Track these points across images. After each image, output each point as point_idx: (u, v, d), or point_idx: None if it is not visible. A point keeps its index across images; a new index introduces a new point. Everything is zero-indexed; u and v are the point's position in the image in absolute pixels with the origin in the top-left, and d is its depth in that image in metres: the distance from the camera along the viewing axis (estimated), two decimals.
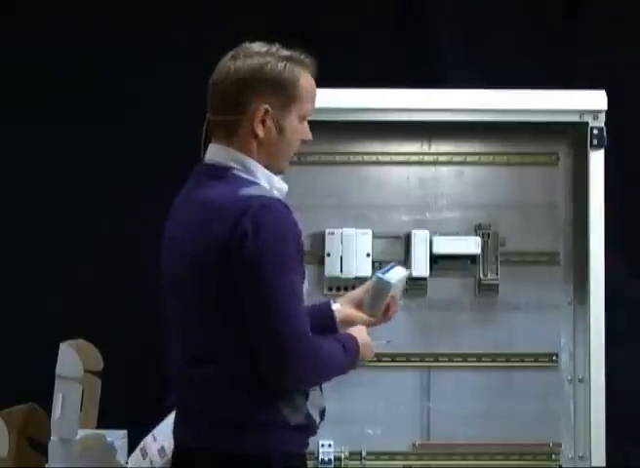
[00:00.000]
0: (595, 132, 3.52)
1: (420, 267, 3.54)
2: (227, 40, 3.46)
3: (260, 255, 2.33)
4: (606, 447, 3.48)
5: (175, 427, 2.56)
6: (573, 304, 3.65)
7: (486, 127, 3.59)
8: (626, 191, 3.99)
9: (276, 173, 2.54)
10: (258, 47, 2.48)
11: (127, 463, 3.36)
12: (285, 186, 2.54)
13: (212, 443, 2.43)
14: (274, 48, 2.48)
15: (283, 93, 2.47)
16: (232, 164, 2.50)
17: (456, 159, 3.67)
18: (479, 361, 3.61)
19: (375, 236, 3.58)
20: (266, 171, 2.50)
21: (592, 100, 3.55)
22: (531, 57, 4.07)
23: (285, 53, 2.49)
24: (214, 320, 2.43)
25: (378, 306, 2.63)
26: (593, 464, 3.50)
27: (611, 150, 3.57)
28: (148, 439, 3.29)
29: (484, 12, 4.09)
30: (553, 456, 3.62)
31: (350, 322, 2.64)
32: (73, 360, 3.15)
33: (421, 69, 4.03)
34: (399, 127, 3.51)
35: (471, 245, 3.56)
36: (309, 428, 2.46)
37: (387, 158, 3.63)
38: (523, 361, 3.62)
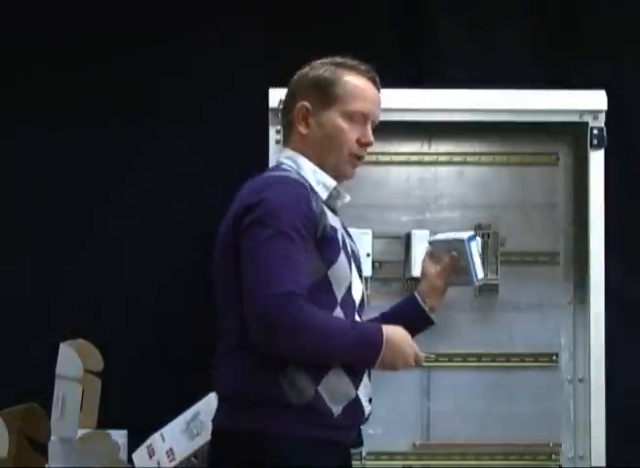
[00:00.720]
0: (595, 132, 3.52)
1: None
2: (225, 40, 3.47)
3: (254, 221, 2.41)
4: (606, 447, 3.48)
5: None
6: (573, 304, 3.65)
7: (486, 127, 3.59)
8: (626, 191, 3.99)
9: (339, 178, 2.62)
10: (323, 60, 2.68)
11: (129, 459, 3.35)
12: (332, 181, 2.59)
13: (219, 418, 2.50)
14: (331, 58, 2.66)
15: (322, 91, 2.60)
16: (285, 160, 2.62)
17: (456, 159, 3.67)
18: (479, 361, 3.61)
19: (375, 236, 3.58)
20: (313, 165, 2.58)
21: (592, 100, 3.55)
22: (531, 57, 4.06)
23: (336, 60, 2.65)
24: (230, 294, 2.47)
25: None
26: (593, 464, 3.50)
27: (611, 150, 3.57)
28: (156, 437, 3.28)
29: (484, 11, 4.09)
30: (553, 456, 3.62)
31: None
32: (73, 360, 3.14)
33: (421, 69, 4.03)
34: (399, 127, 3.51)
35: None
36: (316, 413, 2.42)
37: (387, 158, 3.64)
38: (523, 361, 3.62)
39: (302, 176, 2.55)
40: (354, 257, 2.60)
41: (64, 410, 3.11)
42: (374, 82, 2.66)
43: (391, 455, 3.56)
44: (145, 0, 4.05)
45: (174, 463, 3.18)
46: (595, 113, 3.53)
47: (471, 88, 3.59)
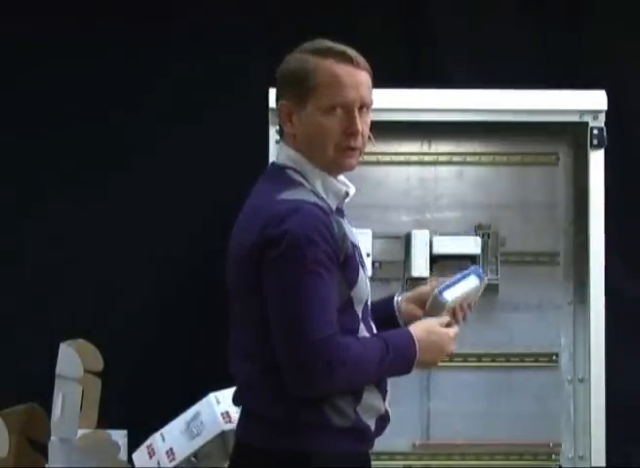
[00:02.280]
0: (595, 132, 3.52)
1: (421, 267, 3.54)
2: (225, 40, 3.47)
3: (280, 258, 2.32)
4: (606, 447, 3.49)
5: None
6: (573, 304, 3.65)
7: (486, 127, 3.59)
8: (626, 191, 3.99)
9: (336, 172, 2.49)
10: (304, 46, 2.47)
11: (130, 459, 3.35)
12: (342, 189, 2.49)
13: (256, 436, 2.43)
14: (307, 44, 2.46)
15: (296, 87, 2.44)
16: (288, 163, 2.48)
17: (456, 159, 3.67)
18: (479, 361, 3.61)
19: (375, 236, 3.58)
20: (322, 173, 2.46)
21: (592, 100, 3.55)
22: (531, 57, 4.07)
23: (310, 47, 2.45)
24: (252, 320, 2.43)
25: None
26: (593, 464, 3.50)
27: (611, 150, 3.57)
28: (157, 437, 3.28)
29: (484, 12, 4.09)
30: (553, 456, 3.62)
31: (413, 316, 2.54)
32: (73, 360, 3.14)
33: (421, 69, 4.03)
34: (399, 127, 3.51)
35: (471, 245, 3.56)
36: (357, 432, 2.42)
37: (387, 158, 3.64)
38: (523, 361, 3.62)
39: (311, 185, 2.45)
40: (359, 253, 2.57)
41: (64, 410, 3.11)
42: (353, 63, 2.44)
43: (391, 455, 3.56)
44: (146, 0, 4.05)
45: (174, 463, 3.18)
46: (595, 113, 3.53)
47: (471, 88, 3.59)
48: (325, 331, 2.31)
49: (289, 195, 2.40)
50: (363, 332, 2.47)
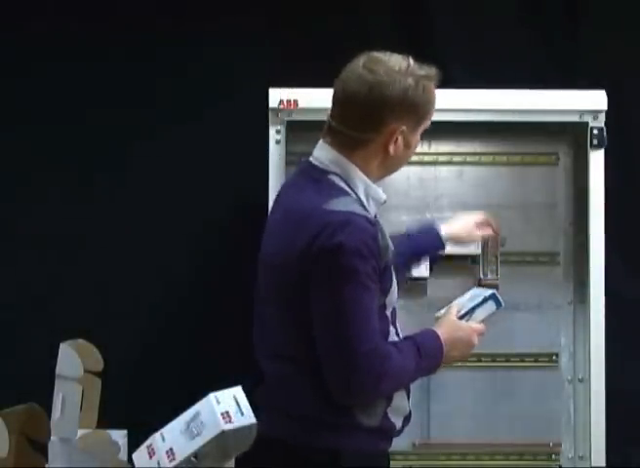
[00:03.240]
0: (595, 132, 3.52)
1: (420, 267, 3.53)
2: (225, 40, 3.47)
3: (330, 272, 2.38)
4: (606, 447, 3.49)
5: (259, 416, 2.58)
6: (573, 304, 3.65)
7: (486, 127, 3.59)
8: (626, 191, 3.99)
9: (377, 180, 2.56)
10: (396, 64, 2.50)
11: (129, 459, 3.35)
12: (382, 197, 2.55)
13: (287, 434, 2.49)
14: (411, 65, 2.52)
15: (418, 113, 2.51)
16: (333, 168, 2.50)
17: (456, 159, 3.67)
18: (479, 361, 3.61)
19: None
20: (367, 180, 2.50)
21: (592, 100, 3.55)
22: (531, 57, 4.06)
23: (420, 72, 2.51)
24: (293, 323, 2.46)
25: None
26: (593, 464, 3.50)
27: (611, 150, 3.57)
28: (157, 437, 3.27)
29: (484, 12, 4.09)
30: (553, 456, 3.62)
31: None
32: (73, 360, 3.14)
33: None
34: None
35: (471, 245, 3.55)
36: (384, 431, 2.50)
37: None
38: (523, 361, 3.62)
39: (352, 189, 2.48)
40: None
41: (64, 410, 3.10)
42: None
43: (391, 455, 3.54)
44: (145, 0, 4.05)
45: (174, 463, 3.17)
46: (595, 113, 3.53)
47: (471, 88, 3.59)
48: (372, 344, 2.38)
49: (337, 205, 2.43)
50: (393, 335, 2.53)
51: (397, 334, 2.55)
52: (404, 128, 2.48)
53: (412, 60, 2.54)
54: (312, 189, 2.48)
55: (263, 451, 2.55)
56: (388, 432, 2.53)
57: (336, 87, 2.52)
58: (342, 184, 2.48)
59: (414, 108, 2.50)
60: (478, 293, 2.70)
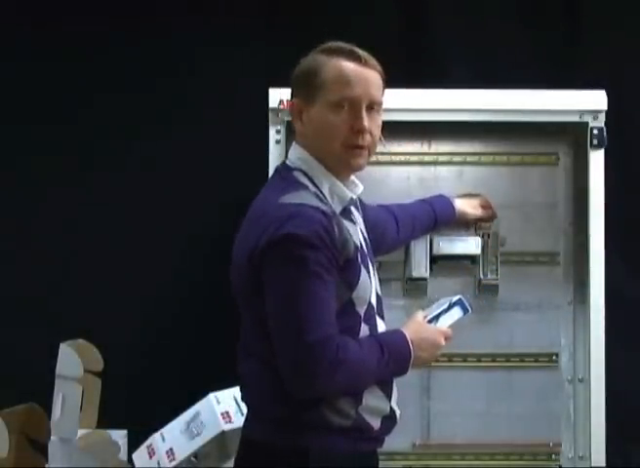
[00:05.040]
0: (595, 132, 3.52)
1: (420, 267, 3.54)
2: (225, 40, 3.45)
3: (280, 260, 2.35)
4: (606, 447, 3.48)
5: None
6: (573, 304, 3.65)
7: (486, 127, 3.59)
8: (626, 191, 3.99)
9: (347, 170, 2.53)
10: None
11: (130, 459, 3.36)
12: (347, 195, 2.53)
13: (258, 433, 2.48)
14: (321, 46, 2.54)
15: (307, 84, 2.50)
16: (298, 164, 2.53)
17: (456, 159, 3.66)
18: (479, 361, 3.61)
19: None
20: (331, 176, 2.50)
21: (592, 100, 3.55)
22: (531, 57, 4.07)
23: (322, 47, 2.52)
24: (256, 321, 2.45)
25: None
26: (593, 464, 3.50)
27: (611, 150, 3.57)
28: (157, 437, 3.28)
29: (484, 11, 4.09)
30: (553, 456, 3.62)
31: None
32: (73, 360, 3.14)
33: (421, 69, 4.02)
34: (399, 127, 3.51)
35: (471, 245, 3.55)
36: (358, 431, 2.46)
37: (387, 158, 3.63)
38: (523, 361, 3.62)
39: (316, 186, 2.48)
40: (367, 247, 2.57)
41: (64, 410, 3.11)
42: (361, 61, 2.50)
43: (391, 455, 3.55)
44: (145, 0, 4.05)
45: (174, 463, 3.19)
46: (595, 113, 3.53)
47: (471, 88, 3.59)
48: (324, 332, 2.33)
49: (291, 198, 2.42)
50: (365, 333, 2.48)
51: (373, 332, 2.52)
52: (296, 100, 2.52)
53: (342, 43, 2.54)
54: (273, 186, 2.50)
55: (240, 451, 2.55)
56: (365, 432, 2.47)
57: None
58: (304, 179, 2.49)
59: (301, 79, 2.53)
60: (445, 301, 2.70)
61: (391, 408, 2.54)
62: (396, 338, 2.48)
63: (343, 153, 2.50)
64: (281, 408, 2.42)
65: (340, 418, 2.43)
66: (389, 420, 2.53)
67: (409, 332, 2.49)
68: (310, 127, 2.49)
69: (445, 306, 2.64)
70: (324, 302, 2.35)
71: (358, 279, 2.45)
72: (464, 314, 2.65)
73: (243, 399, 2.56)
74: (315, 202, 2.42)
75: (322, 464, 2.41)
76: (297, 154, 2.54)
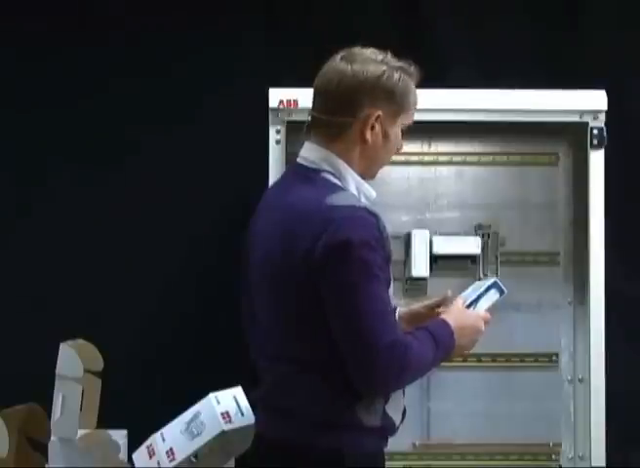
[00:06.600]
0: (595, 132, 3.52)
1: (420, 267, 3.54)
2: (225, 40, 3.43)
3: (342, 268, 2.36)
4: (606, 447, 3.49)
5: (256, 416, 2.59)
6: (573, 304, 3.65)
7: (486, 127, 3.59)
8: (626, 191, 3.99)
9: (367, 179, 2.57)
10: (372, 54, 2.55)
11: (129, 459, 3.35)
12: (373, 194, 2.56)
13: (289, 434, 2.48)
14: (388, 57, 2.57)
15: (395, 102, 2.52)
16: (324, 166, 2.52)
17: (456, 159, 3.67)
18: (479, 361, 3.61)
19: None
20: (357, 176, 2.53)
21: (592, 100, 3.55)
22: (531, 57, 4.07)
23: (397, 63, 2.57)
24: (296, 323, 2.45)
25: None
26: (593, 464, 3.50)
27: (611, 150, 3.57)
28: (157, 437, 3.27)
29: (484, 12, 4.09)
30: (553, 456, 3.62)
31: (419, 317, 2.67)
32: (73, 360, 3.14)
33: (421, 69, 4.02)
34: None
35: (471, 245, 3.56)
36: (385, 429, 2.51)
37: None
38: (523, 361, 3.62)
39: (345, 188, 2.49)
40: None
41: (64, 410, 3.10)
42: None
43: (391, 455, 3.55)
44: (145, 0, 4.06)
45: (174, 463, 3.18)
46: (595, 113, 3.54)
47: (471, 88, 3.59)
48: (391, 336, 2.40)
49: (338, 200, 2.43)
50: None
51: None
52: (379, 113, 2.50)
53: (389, 54, 2.59)
54: (308, 188, 2.49)
55: (264, 452, 2.55)
56: (388, 430, 2.52)
57: (315, 82, 2.57)
58: (336, 181, 2.50)
59: (389, 94, 2.52)
60: (481, 284, 2.72)
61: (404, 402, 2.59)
62: (442, 328, 2.52)
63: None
64: (317, 409, 2.45)
65: (372, 417, 2.47)
66: (404, 414, 2.58)
67: (451, 320, 2.53)
68: (382, 140, 2.53)
69: (482, 289, 2.66)
70: (386, 304, 2.41)
71: (391, 276, 2.49)
72: (501, 295, 2.67)
73: (267, 400, 2.56)
74: (362, 202, 2.46)
75: (356, 465, 2.44)
76: (319, 155, 2.52)
